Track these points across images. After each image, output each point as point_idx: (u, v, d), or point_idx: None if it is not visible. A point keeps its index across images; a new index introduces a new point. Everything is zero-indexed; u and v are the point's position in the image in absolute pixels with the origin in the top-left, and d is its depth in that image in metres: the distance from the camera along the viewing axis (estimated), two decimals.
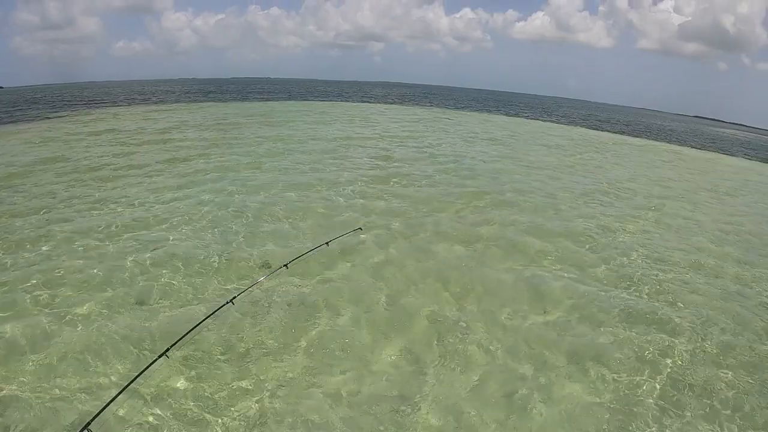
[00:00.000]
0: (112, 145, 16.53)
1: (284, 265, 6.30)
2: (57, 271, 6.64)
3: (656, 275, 7.83)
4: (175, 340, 4.68)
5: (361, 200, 10.63)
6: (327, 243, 7.14)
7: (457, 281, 7.01)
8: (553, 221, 10.21)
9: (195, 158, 14.41)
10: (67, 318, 5.55)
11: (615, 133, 41.51)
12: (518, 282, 7.16)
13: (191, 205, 9.80)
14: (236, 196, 10.63)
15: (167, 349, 4.53)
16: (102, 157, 14.50)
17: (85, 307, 5.78)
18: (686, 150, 33.94)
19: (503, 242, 8.71)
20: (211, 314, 5.25)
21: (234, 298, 5.49)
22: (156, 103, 39.91)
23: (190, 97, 47.81)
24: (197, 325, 4.98)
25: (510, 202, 11.35)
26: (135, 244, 7.67)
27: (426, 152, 17.66)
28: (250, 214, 9.32)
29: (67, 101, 41.36)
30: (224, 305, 5.35)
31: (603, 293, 7.01)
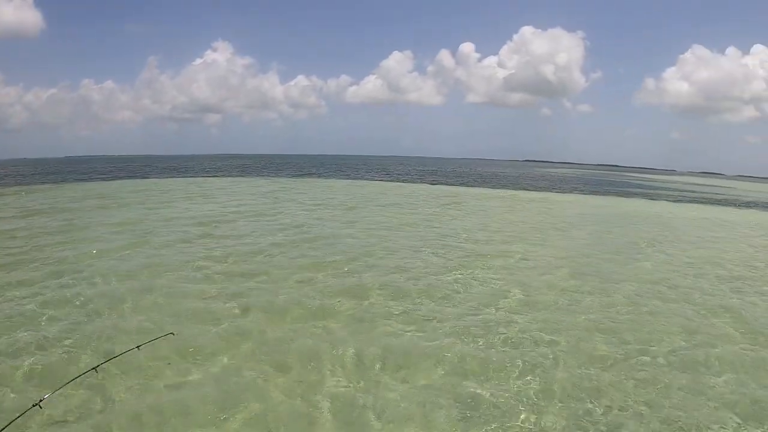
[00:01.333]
0: None
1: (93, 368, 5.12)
2: None
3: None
4: None
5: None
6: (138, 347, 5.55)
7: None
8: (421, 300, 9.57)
9: (28, 262, 11.18)
10: None
11: (453, 185, 45.78)
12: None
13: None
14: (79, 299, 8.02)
15: None
16: None
17: None
18: (521, 193, 38.97)
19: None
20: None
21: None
22: None
23: (24, 179, 41.93)
24: None
25: (382, 284, 10.44)
26: None
27: (281, 227, 16.82)
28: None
29: None
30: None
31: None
